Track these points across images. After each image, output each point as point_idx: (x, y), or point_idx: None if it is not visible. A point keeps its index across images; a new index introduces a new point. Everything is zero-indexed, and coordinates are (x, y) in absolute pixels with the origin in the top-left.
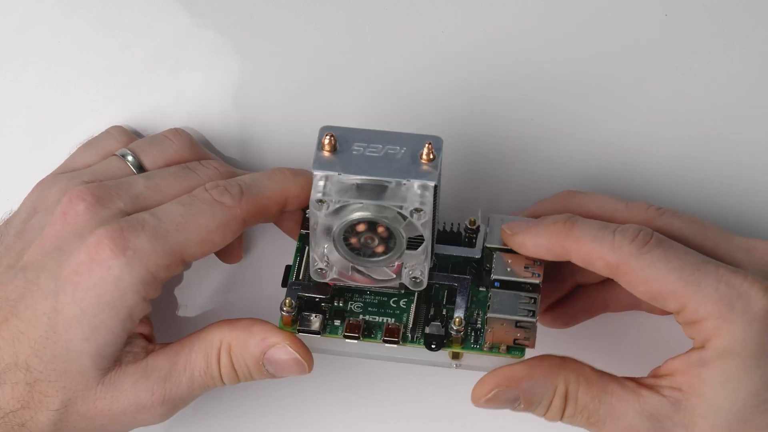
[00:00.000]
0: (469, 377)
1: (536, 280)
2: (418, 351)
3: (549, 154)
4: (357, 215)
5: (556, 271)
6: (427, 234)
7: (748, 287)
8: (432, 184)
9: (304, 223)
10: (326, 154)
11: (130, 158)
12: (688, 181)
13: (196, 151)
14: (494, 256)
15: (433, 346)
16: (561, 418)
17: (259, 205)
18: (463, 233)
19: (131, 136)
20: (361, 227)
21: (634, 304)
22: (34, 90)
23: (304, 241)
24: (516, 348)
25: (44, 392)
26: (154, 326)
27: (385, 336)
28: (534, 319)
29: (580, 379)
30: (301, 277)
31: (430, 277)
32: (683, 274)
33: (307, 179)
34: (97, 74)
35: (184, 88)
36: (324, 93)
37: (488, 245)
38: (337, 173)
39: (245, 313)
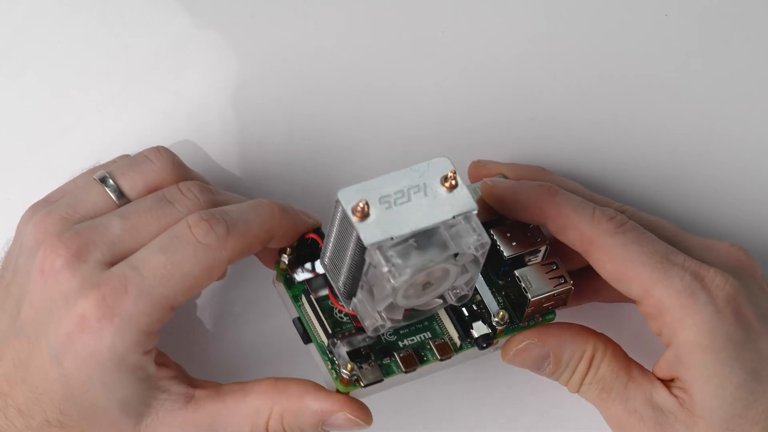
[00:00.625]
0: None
1: (541, 246)
2: (467, 354)
3: (549, 153)
4: (429, 267)
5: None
6: (482, 260)
7: (712, 277)
8: (474, 211)
9: (292, 266)
10: (361, 221)
11: (109, 182)
12: (688, 180)
13: (177, 171)
14: (493, 234)
15: (484, 346)
16: (580, 387)
17: (245, 244)
18: None
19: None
20: (421, 277)
21: (624, 296)
22: (34, 90)
23: (296, 290)
24: (549, 312)
25: None
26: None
27: (439, 354)
28: (570, 282)
29: (608, 350)
30: (328, 329)
31: None
32: (652, 260)
33: (293, 217)
34: (97, 74)
35: (184, 88)
36: (324, 93)
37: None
38: (389, 238)
39: (246, 311)
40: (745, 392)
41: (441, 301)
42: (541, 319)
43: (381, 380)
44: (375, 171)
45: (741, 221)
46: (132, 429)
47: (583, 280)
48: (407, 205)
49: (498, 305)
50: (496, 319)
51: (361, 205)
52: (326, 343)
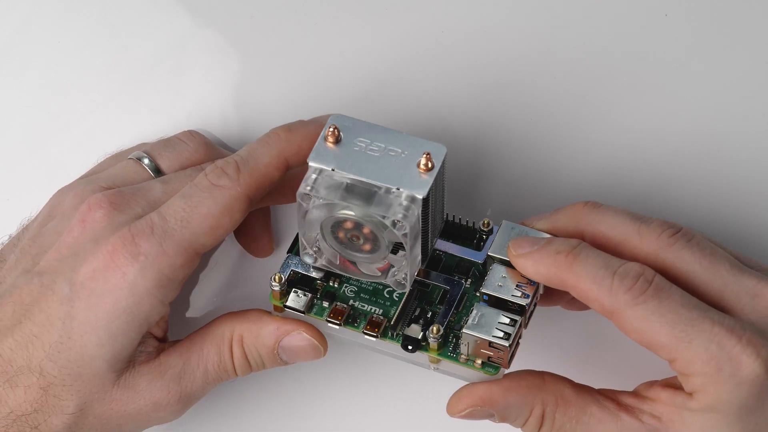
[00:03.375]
0: (448, 379)
1: (523, 302)
2: (398, 348)
3: (551, 154)
4: (342, 213)
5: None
6: (409, 243)
7: (740, 351)
8: (420, 196)
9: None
10: (329, 145)
11: (146, 161)
12: (688, 179)
13: (210, 151)
14: (491, 267)
15: (409, 348)
16: None
17: (259, 176)
18: (478, 233)
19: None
20: (348, 224)
21: None
22: (35, 90)
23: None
24: (490, 365)
25: (59, 396)
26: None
27: (366, 328)
28: (506, 343)
29: (558, 400)
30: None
31: (427, 276)
32: (675, 330)
33: (303, 133)
34: (97, 74)
35: (184, 88)
36: (324, 93)
37: (491, 253)
38: (330, 169)
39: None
40: None
41: (380, 273)
42: (480, 365)
43: (302, 312)
44: None
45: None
46: (111, 383)
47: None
48: (374, 157)
49: (446, 325)
50: (431, 332)
51: (332, 129)
52: (286, 256)
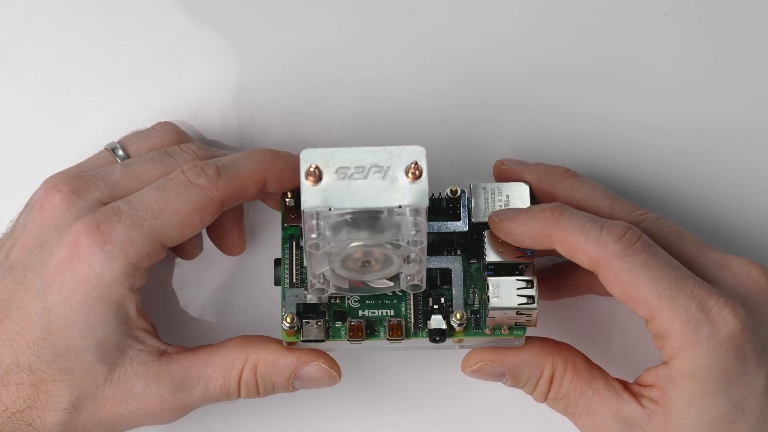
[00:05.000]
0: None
1: (529, 260)
2: (423, 341)
3: (548, 153)
4: (354, 245)
5: (570, 276)
6: (423, 254)
7: (718, 312)
8: (424, 207)
9: (286, 214)
10: (313, 185)
11: (119, 152)
12: (687, 180)
13: (179, 137)
14: (484, 236)
15: (437, 339)
16: (545, 400)
17: (236, 185)
18: (445, 202)
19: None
20: (359, 254)
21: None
22: (34, 90)
23: (288, 232)
24: (518, 328)
25: (50, 392)
26: (156, 327)
27: (389, 334)
28: (534, 306)
29: (569, 366)
30: (294, 279)
31: None
32: (659, 287)
33: (288, 160)
34: (96, 74)
35: (184, 88)
36: (324, 93)
37: (476, 221)
38: (327, 209)
39: (246, 311)
40: (725, 421)
41: (392, 283)
42: (508, 331)
43: (322, 341)
44: None
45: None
46: (104, 378)
47: (579, 274)
48: (361, 182)
49: (464, 305)
50: (454, 319)
51: (312, 168)
52: (286, 289)
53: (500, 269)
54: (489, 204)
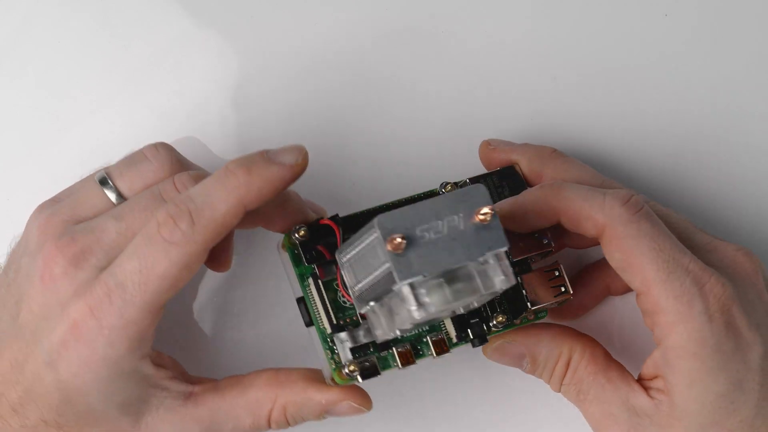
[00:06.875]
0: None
1: (548, 248)
2: (465, 348)
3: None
4: (448, 306)
5: (586, 284)
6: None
7: (712, 285)
8: (504, 249)
9: (296, 255)
10: (401, 253)
11: (108, 184)
12: (687, 180)
13: (175, 169)
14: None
15: (478, 343)
16: (560, 387)
17: (216, 227)
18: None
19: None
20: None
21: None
22: (34, 90)
23: (307, 270)
24: (542, 311)
25: None
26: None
27: (436, 350)
28: (570, 293)
29: (587, 352)
30: (334, 320)
31: None
32: (659, 258)
33: (264, 177)
34: (96, 74)
35: (184, 88)
36: (324, 93)
37: None
38: (422, 277)
39: (247, 311)
40: (727, 401)
41: (451, 312)
42: (533, 317)
43: (378, 374)
44: (374, 171)
45: (745, 222)
46: (131, 427)
47: (594, 276)
48: (442, 240)
49: (498, 306)
50: (494, 323)
51: (398, 240)
52: (329, 331)
53: (524, 265)
54: (493, 196)
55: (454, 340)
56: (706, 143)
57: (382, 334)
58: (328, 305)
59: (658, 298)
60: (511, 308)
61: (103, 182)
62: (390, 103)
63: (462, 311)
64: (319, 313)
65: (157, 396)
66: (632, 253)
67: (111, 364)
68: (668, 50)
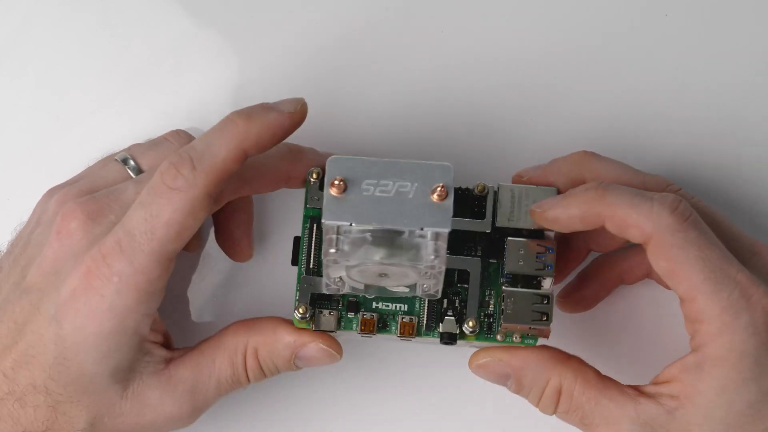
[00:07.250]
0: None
1: (549, 275)
2: (434, 341)
3: (548, 154)
4: (371, 264)
5: (566, 242)
6: (441, 275)
7: (758, 299)
8: (446, 231)
9: (310, 194)
10: (337, 196)
11: (130, 162)
12: (686, 181)
13: None
14: (506, 244)
15: (448, 342)
16: (554, 412)
17: (217, 172)
18: (471, 199)
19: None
20: (375, 267)
21: (646, 274)
22: (34, 90)
23: (311, 212)
24: (530, 337)
25: (68, 413)
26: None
27: (401, 332)
28: (548, 325)
29: (578, 378)
30: (311, 264)
31: None
32: (705, 268)
33: (263, 123)
34: (96, 74)
35: (184, 88)
36: (324, 93)
37: (500, 225)
38: (348, 224)
39: (249, 310)
40: (754, 410)
41: (408, 289)
42: (519, 339)
43: (333, 331)
44: None
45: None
46: (119, 395)
47: (606, 266)
48: (387, 199)
49: (479, 307)
50: (467, 326)
51: (336, 182)
52: (303, 275)
53: (518, 278)
54: (515, 208)
55: (423, 329)
56: (706, 143)
57: (326, 282)
58: (313, 249)
59: (704, 307)
60: (498, 316)
61: (125, 162)
62: (390, 103)
63: (421, 293)
64: (304, 256)
65: (142, 361)
66: (679, 261)
67: (116, 315)
68: (668, 50)
